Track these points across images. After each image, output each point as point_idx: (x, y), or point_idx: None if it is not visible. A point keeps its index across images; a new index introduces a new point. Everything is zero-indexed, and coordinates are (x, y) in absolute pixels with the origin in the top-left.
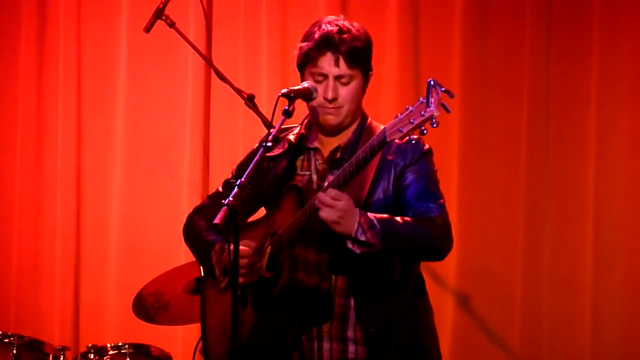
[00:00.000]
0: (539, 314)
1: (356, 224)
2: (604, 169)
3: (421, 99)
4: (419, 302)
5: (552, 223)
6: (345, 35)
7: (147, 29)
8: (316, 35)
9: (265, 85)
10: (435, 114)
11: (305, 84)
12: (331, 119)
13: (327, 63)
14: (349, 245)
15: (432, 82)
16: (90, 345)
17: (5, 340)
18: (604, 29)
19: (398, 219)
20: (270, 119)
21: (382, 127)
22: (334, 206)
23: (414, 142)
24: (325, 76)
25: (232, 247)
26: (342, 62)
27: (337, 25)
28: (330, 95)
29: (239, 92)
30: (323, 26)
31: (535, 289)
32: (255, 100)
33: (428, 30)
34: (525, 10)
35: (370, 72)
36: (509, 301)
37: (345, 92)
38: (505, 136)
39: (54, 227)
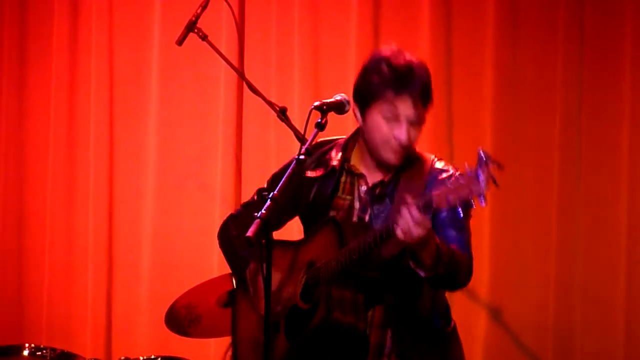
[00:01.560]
0: (572, 327)
1: (431, 242)
2: (637, 179)
3: (470, 171)
4: (450, 332)
5: (585, 234)
6: (417, 74)
7: (180, 42)
8: (386, 70)
9: (297, 98)
10: (484, 190)
11: (338, 97)
12: (394, 159)
13: (402, 104)
14: (412, 265)
15: (483, 157)
16: (122, 357)
17: (37, 354)
18: (636, 38)
19: (450, 249)
20: (302, 132)
21: (426, 156)
22: (417, 230)
23: None
24: (398, 116)
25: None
26: (419, 105)
27: (406, 60)
28: (405, 141)
29: (271, 104)
30: (392, 60)
31: (568, 302)
32: (288, 113)
33: (461, 41)
34: (558, 20)
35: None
36: (541, 314)
37: (414, 134)
38: (538, 146)
39: (86, 240)
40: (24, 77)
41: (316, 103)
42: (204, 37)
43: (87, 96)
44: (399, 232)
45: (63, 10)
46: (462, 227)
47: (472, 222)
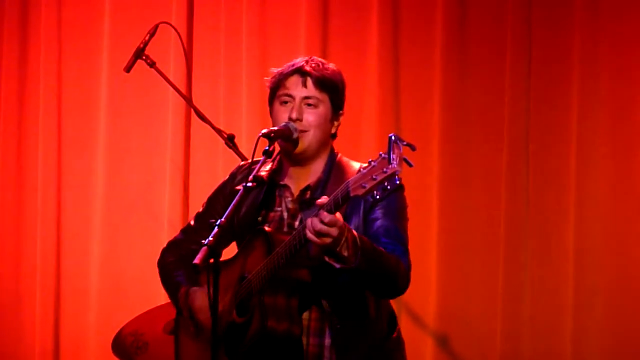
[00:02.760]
0: (520, 357)
1: (343, 239)
2: (583, 210)
3: (382, 154)
4: (393, 338)
5: (532, 265)
6: (314, 63)
7: (128, 69)
8: (286, 65)
9: (245, 125)
10: (398, 170)
11: (283, 124)
12: (295, 144)
13: (294, 84)
14: (327, 258)
15: (393, 137)
16: None
17: None
18: (584, 70)
19: (377, 246)
20: (250, 159)
21: (353, 164)
22: (328, 233)
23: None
24: (292, 97)
25: (211, 289)
26: (309, 83)
27: (308, 58)
28: (294, 115)
29: (219, 132)
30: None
31: (515, 332)
32: (235, 140)
33: (408, 69)
34: (506, 50)
35: (341, 111)
36: (489, 344)
37: (311, 116)
38: (486, 177)
39: (34, 266)
40: None
41: (264, 130)
42: (152, 64)
43: (35, 122)
44: (311, 238)
45: (12, 36)
46: (396, 233)
47: (418, 250)
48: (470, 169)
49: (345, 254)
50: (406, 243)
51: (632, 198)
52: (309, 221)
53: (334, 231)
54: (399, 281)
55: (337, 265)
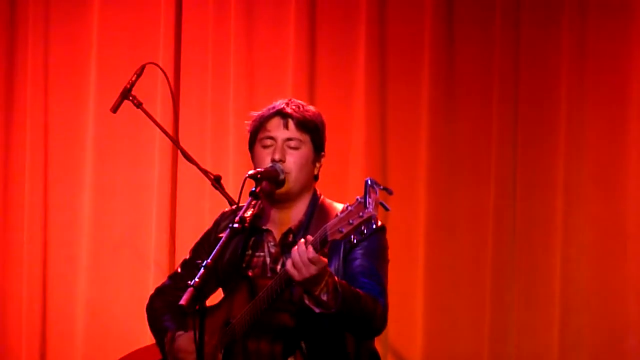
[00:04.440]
0: None
1: (323, 282)
2: (570, 252)
3: (359, 198)
4: None
5: (519, 306)
6: (294, 105)
7: (114, 109)
8: (266, 108)
9: (232, 167)
10: (374, 214)
11: (269, 165)
12: (278, 187)
13: (275, 126)
14: (307, 301)
15: (369, 182)
16: None
17: None
18: (571, 114)
19: (355, 289)
20: (237, 200)
21: (335, 205)
22: (308, 269)
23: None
24: (274, 139)
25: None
26: (291, 125)
27: (288, 100)
28: (277, 157)
29: (205, 173)
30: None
31: None
32: (222, 182)
33: (395, 110)
34: (493, 93)
35: (322, 153)
36: None
37: (293, 157)
38: (472, 219)
39: (20, 306)
40: None
41: (250, 172)
42: (138, 105)
43: (22, 162)
44: (290, 270)
45: None
46: (375, 273)
47: (405, 291)
48: (457, 210)
49: (325, 298)
50: (384, 284)
51: (617, 242)
52: (293, 250)
53: (313, 269)
54: (376, 323)
55: (317, 310)
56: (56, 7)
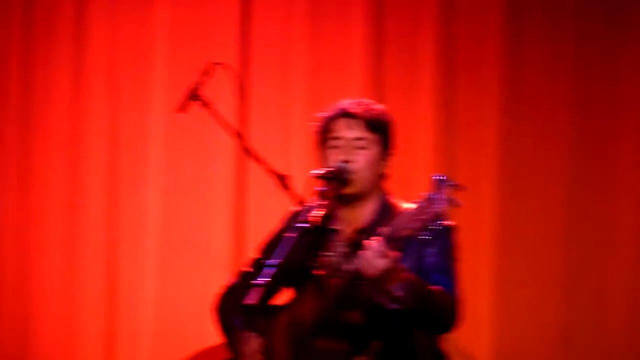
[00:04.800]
0: None
1: (396, 279)
2: None
3: (429, 195)
4: None
5: (590, 307)
6: (361, 104)
7: (182, 110)
8: (332, 108)
9: (299, 167)
10: (443, 210)
11: (336, 165)
12: (345, 189)
13: (341, 126)
14: (380, 298)
15: (439, 178)
16: None
17: None
18: None
19: (428, 286)
20: (304, 201)
21: (404, 204)
22: (380, 265)
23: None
24: (340, 140)
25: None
26: (357, 125)
27: (355, 100)
28: (344, 157)
29: (272, 172)
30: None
31: None
32: (289, 182)
33: (464, 108)
34: (561, 93)
35: (391, 151)
36: None
37: (361, 157)
38: (542, 217)
39: (89, 307)
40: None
41: (317, 171)
42: (206, 105)
43: (89, 161)
44: (359, 264)
45: (63, 73)
46: (447, 271)
47: (473, 286)
48: (527, 208)
49: (399, 294)
50: (456, 282)
51: None
52: (364, 247)
53: (385, 265)
54: (449, 319)
55: (391, 306)
56: (122, 5)
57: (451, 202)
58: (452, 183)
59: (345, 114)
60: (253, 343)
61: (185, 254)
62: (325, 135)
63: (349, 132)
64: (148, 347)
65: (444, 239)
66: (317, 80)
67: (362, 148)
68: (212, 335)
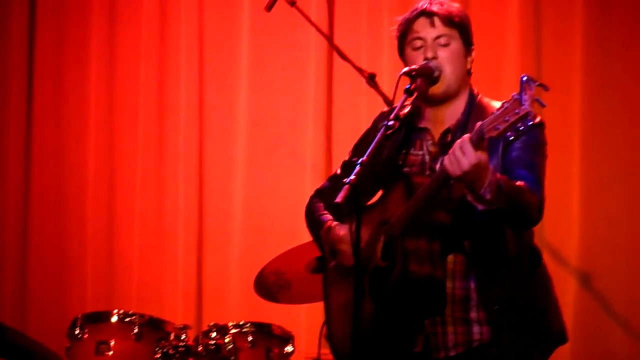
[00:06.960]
0: None
1: (486, 182)
2: None
3: (515, 95)
4: (537, 275)
5: None
6: (437, 3)
7: (268, 8)
8: (409, 10)
9: (386, 64)
10: (530, 110)
11: (423, 62)
12: (434, 87)
13: (422, 26)
14: (469, 198)
15: (524, 78)
16: (212, 323)
17: (126, 320)
18: None
19: (515, 184)
20: (391, 98)
21: (493, 104)
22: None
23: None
24: (423, 40)
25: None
26: (437, 22)
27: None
28: (430, 55)
29: (360, 71)
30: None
31: None
32: (377, 79)
33: (549, 6)
34: None
35: (472, 47)
36: (634, 277)
37: (445, 54)
38: (630, 110)
39: (177, 206)
40: (113, 40)
41: (405, 69)
42: (292, 3)
43: (177, 64)
44: (446, 164)
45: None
46: (532, 165)
47: (562, 185)
48: (614, 102)
49: (489, 197)
50: (540, 176)
51: None
52: (454, 146)
53: (481, 156)
54: (533, 214)
55: (480, 207)
56: None
57: (537, 102)
58: (538, 83)
59: (424, 13)
60: (341, 232)
61: (274, 154)
62: (406, 37)
63: (430, 30)
64: (237, 245)
65: (530, 135)
66: None
67: (445, 45)
68: (300, 234)
